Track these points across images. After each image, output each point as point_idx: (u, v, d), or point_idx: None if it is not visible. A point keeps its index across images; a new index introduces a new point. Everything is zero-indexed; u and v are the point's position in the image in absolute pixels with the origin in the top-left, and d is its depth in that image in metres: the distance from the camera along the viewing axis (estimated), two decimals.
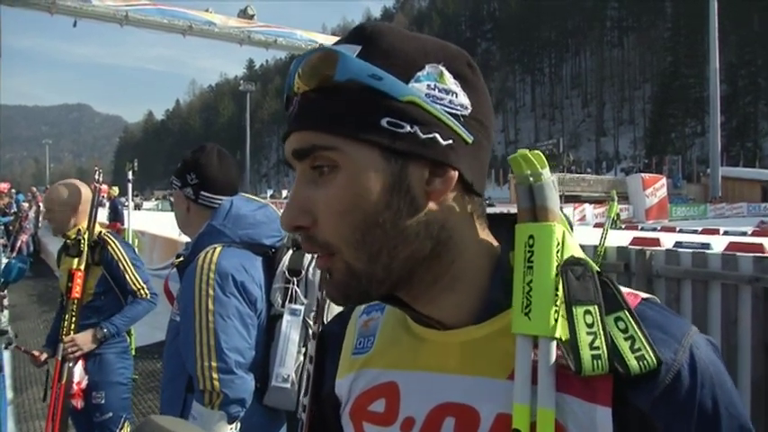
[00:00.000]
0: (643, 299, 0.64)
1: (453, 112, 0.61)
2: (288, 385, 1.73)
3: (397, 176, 0.60)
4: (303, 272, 1.82)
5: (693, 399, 0.57)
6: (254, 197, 2.01)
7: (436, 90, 0.61)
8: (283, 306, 1.79)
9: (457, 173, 0.62)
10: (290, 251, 1.87)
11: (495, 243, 0.68)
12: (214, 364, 1.64)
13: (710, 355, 0.60)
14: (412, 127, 0.59)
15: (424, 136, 0.60)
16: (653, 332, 0.59)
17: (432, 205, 0.62)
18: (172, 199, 2.07)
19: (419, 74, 0.60)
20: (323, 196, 0.61)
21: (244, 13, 40.90)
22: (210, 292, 1.69)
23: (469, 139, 0.62)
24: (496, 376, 0.62)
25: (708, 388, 0.58)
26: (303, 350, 1.76)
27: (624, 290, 0.64)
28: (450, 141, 0.61)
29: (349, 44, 0.61)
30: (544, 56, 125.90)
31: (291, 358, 1.75)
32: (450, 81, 0.62)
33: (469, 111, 0.63)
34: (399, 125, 0.59)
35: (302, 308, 1.79)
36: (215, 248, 1.77)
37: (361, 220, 0.60)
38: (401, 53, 0.61)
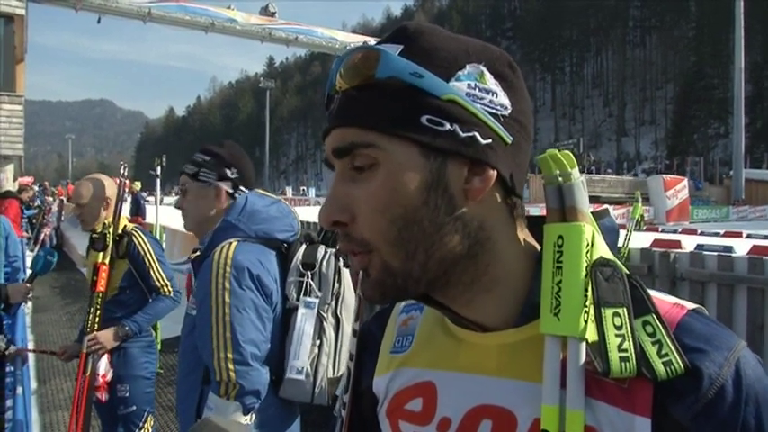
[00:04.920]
0: (690, 310, 0.61)
1: (493, 111, 0.61)
2: (302, 377, 1.77)
3: (436, 174, 0.60)
4: (317, 265, 1.85)
5: (737, 416, 0.55)
6: (267, 193, 2.04)
7: (476, 89, 0.61)
8: (298, 299, 1.82)
9: (495, 172, 0.61)
10: (304, 246, 1.90)
11: (536, 245, 0.67)
12: (230, 355, 1.68)
13: (758, 372, 0.57)
14: (452, 125, 0.59)
15: (464, 134, 0.60)
16: (698, 344, 0.57)
17: (470, 204, 0.62)
18: (185, 191, 2.01)
19: (460, 73, 0.61)
20: (362, 193, 0.61)
21: (265, 11, 41.01)
22: (227, 285, 1.72)
23: (509, 139, 0.62)
24: (535, 380, 0.60)
25: (753, 406, 0.55)
26: (318, 342, 1.81)
27: (671, 299, 0.63)
28: (490, 141, 0.61)
29: (391, 43, 0.62)
30: (565, 55, 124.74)
31: (306, 350, 1.78)
32: (490, 81, 0.62)
33: (509, 111, 0.63)
34: (439, 123, 0.59)
35: (316, 301, 1.82)
36: (230, 243, 1.80)
37: (399, 217, 0.60)
38: (443, 52, 0.61)
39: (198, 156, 2.02)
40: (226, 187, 1.97)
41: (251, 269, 1.76)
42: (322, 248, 1.90)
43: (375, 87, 0.60)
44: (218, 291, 1.72)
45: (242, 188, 2.00)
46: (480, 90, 0.61)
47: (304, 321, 1.79)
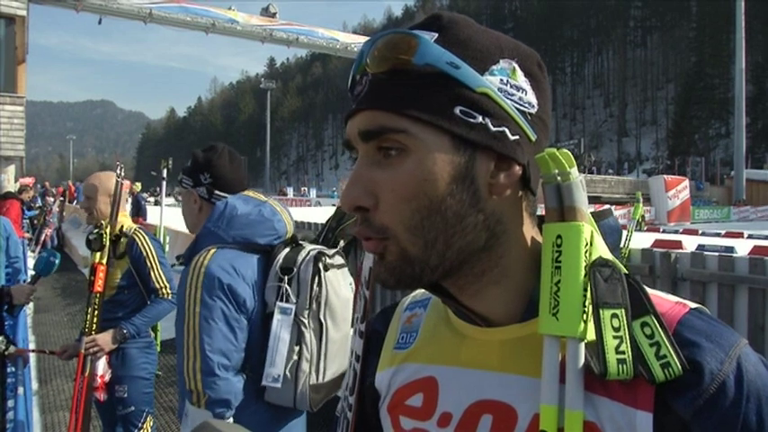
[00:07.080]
0: (692, 308, 0.62)
1: (522, 109, 0.62)
2: (278, 385, 1.75)
3: (464, 166, 0.60)
4: (295, 269, 1.81)
5: (738, 411, 0.55)
6: (255, 195, 2.01)
7: (508, 85, 0.61)
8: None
9: (521, 169, 0.62)
10: (286, 249, 1.88)
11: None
12: (198, 365, 1.69)
13: (760, 369, 0.58)
14: (484, 119, 0.60)
15: (495, 129, 0.60)
16: (700, 340, 0.57)
17: (493, 198, 0.62)
18: (179, 198, 2.11)
19: (494, 67, 0.61)
20: (388, 179, 0.60)
21: (266, 11, 40.96)
22: (198, 295, 1.73)
23: (533, 137, 0.63)
24: (536, 376, 0.60)
25: (754, 402, 0.56)
26: (297, 348, 1.78)
27: (673, 298, 0.63)
28: (518, 137, 0.61)
29: (425, 30, 0.61)
30: (566, 55, 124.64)
31: (282, 357, 1.76)
32: (521, 78, 0.62)
33: (536, 110, 0.63)
34: (472, 115, 0.60)
35: (293, 306, 1.78)
36: (209, 251, 1.81)
37: (424, 207, 0.60)
38: (477, 45, 0.61)
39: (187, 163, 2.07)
40: (199, 192, 2.01)
41: (221, 278, 1.74)
42: (303, 252, 1.85)
43: (410, 73, 0.59)
44: (190, 300, 1.74)
45: (218, 192, 1.99)
46: (511, 86, 0.61)
47: (280, 328, 1.77)
